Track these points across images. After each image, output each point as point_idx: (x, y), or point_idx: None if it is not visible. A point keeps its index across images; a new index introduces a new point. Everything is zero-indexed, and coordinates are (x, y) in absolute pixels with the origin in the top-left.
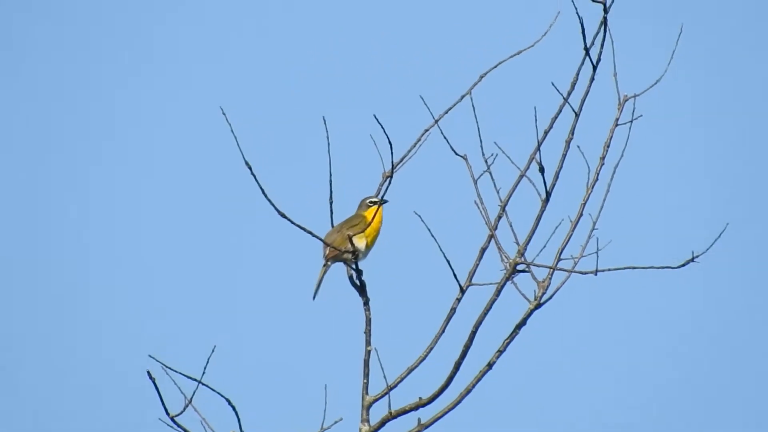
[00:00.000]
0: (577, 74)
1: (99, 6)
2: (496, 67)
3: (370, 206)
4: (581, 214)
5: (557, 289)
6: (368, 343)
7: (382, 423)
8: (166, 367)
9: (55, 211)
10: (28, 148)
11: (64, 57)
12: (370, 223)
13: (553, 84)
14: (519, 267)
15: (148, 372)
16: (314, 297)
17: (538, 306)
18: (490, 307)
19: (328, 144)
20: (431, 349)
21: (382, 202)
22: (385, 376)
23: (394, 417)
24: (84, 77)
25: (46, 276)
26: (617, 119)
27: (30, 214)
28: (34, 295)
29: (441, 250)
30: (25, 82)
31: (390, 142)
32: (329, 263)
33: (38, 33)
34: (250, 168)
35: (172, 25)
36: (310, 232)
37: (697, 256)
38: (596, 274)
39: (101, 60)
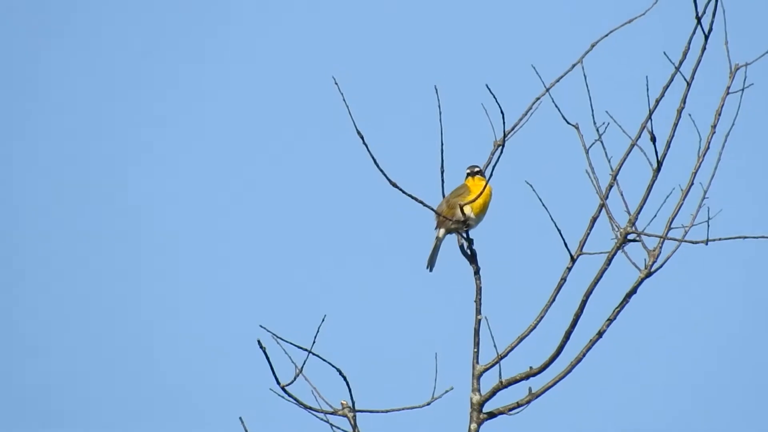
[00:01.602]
0: (689, 43)
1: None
2: (607, 35)
3: (469, 176)
4: (692, 183)
5: (668, 258)
6: (478, 311)
7: (493, 392)
8: (277, 337)
9: (176, 179)
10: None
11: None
12: (481, 192)
13: (665, 53)
14: (630, 236)
15: (259, 341)
16: (431, 268)
17: (649, 275)
18: (601, 276)
19: (440, 113)
20: (541, 318)
21: (476, 173)
22: (495, 345)
23: (505, 386)
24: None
25: (157, 247)
26: (728, 88)
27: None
28: (143, 264)
29: (552, 219)
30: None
31: (502, 111)
32: (442, 234)
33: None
34: (362, 137)
35: None
36: (421, 202)
37: None
38: (707, 244)
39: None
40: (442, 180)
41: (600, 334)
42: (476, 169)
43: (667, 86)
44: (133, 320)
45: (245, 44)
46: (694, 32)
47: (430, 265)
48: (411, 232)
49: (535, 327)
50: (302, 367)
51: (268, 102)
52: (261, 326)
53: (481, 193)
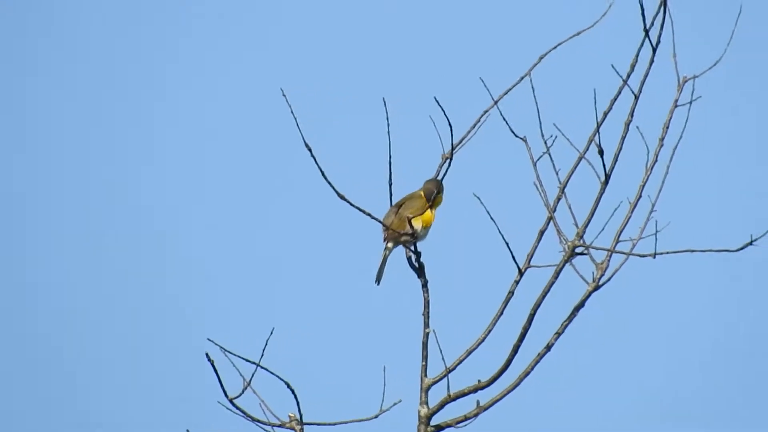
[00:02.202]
0: (637, 55)
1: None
2: (555, 48)
3: (431, 189)
4: (640, 196)
5: (615, 272)
6: (427, 325)
7: (441, 405)
8: (225, 350)
9: (103, 197)
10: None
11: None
12: (429, 205)
13: (612, 66)
14: (577, 249)
15: (207, 354)
16: (378, 282)
17: (597, 288)
18: (549, 290)
19: (388, 125)
20: (489, 331)
21: (433, 192)
22: (443, 359)
23: (453, 399)
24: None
25: (102, 258)
26: (676, 100)
27: (79, 196)
28: (88, 277)
29: (500, 231)
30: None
31: (450, 124)
32: (390, 246)
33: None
34: (310, 150)
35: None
36: (368, 214)
37: (755, 240)
38: (654, 257)
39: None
40: (390, 192)
41: (548, 347)
42: (432, 188)
43: (615, 99)
44: (77, 330)
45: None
46: (642, 45)
47: (378, 278)
48: (359, 245)
49: (483, 340)
50: (250, 380)
51: (214, 113)
52: (209, 339)
53: (429, 205)
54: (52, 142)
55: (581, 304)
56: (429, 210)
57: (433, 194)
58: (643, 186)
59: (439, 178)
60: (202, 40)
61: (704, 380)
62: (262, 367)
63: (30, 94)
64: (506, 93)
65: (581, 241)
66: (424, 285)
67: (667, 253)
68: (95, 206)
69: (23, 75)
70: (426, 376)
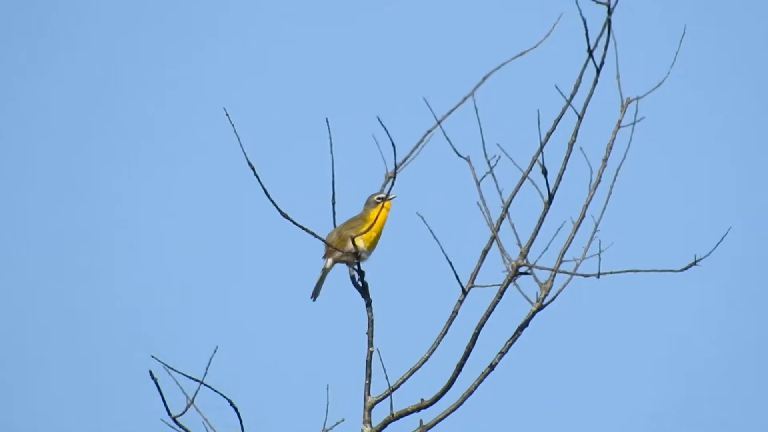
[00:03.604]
0: (580, 76)
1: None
2: (498, 68)
3: (378, 202)
4: (583, 216)
5: (559, 292)
6: (370, 344)
7: (384, 424)
8: (168, 367)
9: (53, 210)
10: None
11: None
12: (373, 224)
13: (556, 87)
14: (521, 269)
15: (150, 372)
16: (314, 298)
17: (541, 308)
18: (493, 309)
19: (331, 145)
20: (433, 350)
21: (389, 198)
22: (387, 378)
23: (396, 418)
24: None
25: (45, 275)
26: (620, 121)
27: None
28: (33, 292)
29: (443, 251)
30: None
31: (393, 144)
32: (330, 264)
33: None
34: (253, 168)
35: (171, 25)
36: (311, 233)
37: (699, 260)
38: (598, 277)
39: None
40: (333, 211)
41: (492, 367)
42: (381, 196)
43: (559, 119)
44: (19, 341)
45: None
46: (585, 66)
47: (315, 294)
48: (303, 264)
49: (426, 359)
50: (194, 398)
51: (160, 132)
52: (153, 356)
53: (373, 223)
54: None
55: (525, 324)
56: (371, 229)
57: (383, 199)
58: (587, 206)
59: (383, 196)
60: (154, 59)
61: (649, 398)
62: (205, 385)
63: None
64: (450, 113)
65: (525, 261)
66: (368, 304)
67: (611, 273)
68: (42, 220)
69: None
70: (369, 394)
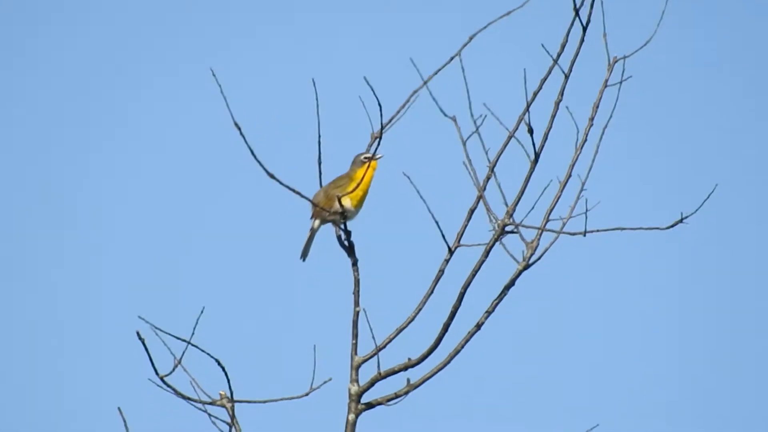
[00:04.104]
0: (567, 35)
1: None
2: (485, 28)
3: (365, 162)
4: (570, 176)
5: (546, 250)
6: (357, 303)
7: (372, 383)
8: (156, 327)
9: (42, 170)
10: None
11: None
12: (359, 183)
13: (542, 46)
14: (507, 228)
15: (138, 333)
16: (304, 258)
17: (527, 267)
18: (479, 268)
19: (317, 105)
20: (420, 309)
21: (375, 157)
22: (374, 337)
23: (384, 377)
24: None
25: (33, 236)
26: (607, 80)
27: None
28: (20, 255)
29: (430, 211)
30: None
31: (379, 104)
32: (317, 224)
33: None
34: (239, 129)
35: None
36: (297, 193)
37: (686, 217)
38: (585, 235)
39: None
40: (320, 171)
41: (478, 326)
42: (368, 155)
43: (545, 79)
44: (12, 303)
45: None
46: (572, 24)
47: (304, 255)
48: (290, 224)
49: (413, 319)
50: (181, 358)
51: (145, 87)
52: (140, 317)
53: (359, 183)
54: None
55: (511, 283)
56: (358, 189)
57: (369, 159)
58: (573, 165)
59: (369, 156)
60: (131, 18)
61: (635, 356)
62: (192, 345)
63: None
64: (436, 73)
65: (511, 220)
66: (354, 264)
67: (597, 231)
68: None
69: None
70: (356, 354)
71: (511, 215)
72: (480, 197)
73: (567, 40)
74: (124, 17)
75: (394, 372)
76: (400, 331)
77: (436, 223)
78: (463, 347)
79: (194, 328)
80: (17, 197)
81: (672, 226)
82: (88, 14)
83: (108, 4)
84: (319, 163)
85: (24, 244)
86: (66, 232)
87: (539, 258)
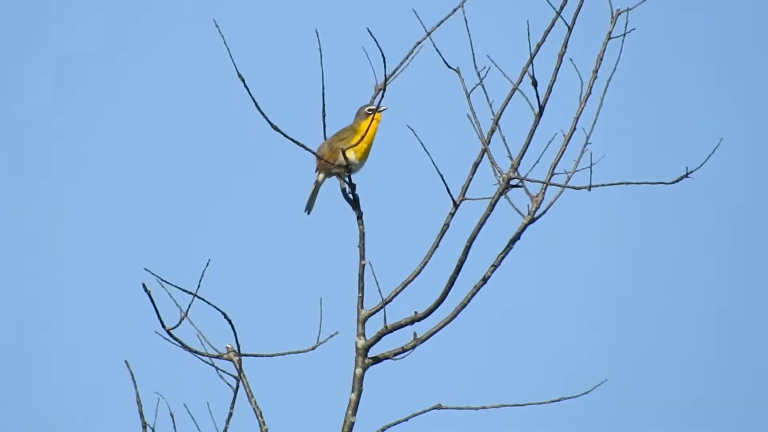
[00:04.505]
0: None
1: None
2: None
3: (369, 114)
4: (574, 129)
5: (551, 204)
6: (362, 257)
7: (378, 337)
8: (162, 280)
9: (40, 131)
10: None
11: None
12: (363, 136)
13: None
14: (512, 182)
15: (143, 285)
16: (308, 212)
17: (532, 221)
18: (484, 222)
19: (321, 57)
20: (425, 263)
21: (380, 109)
22: (380, 290)
23: (390, 331)
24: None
25: (39, 192)
26: (610, 32)
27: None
28: (26, 212)
29: (434, 164)
30: None
31: (383, 55)
32: (321, 177)
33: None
34: (243, 80)
35: None
36: (302, 145)
37: (691, 172)
38: (590, 189)
39: None
40: (324, 124)
41: (484, 280)
42: (372, 108)
43: (549, 30)
44: (13, 263)
45: None
46: None
47: (308, 208)
48: (294, 177)
49: (419, 272)
50: (187, 311)
51: (144, 42)
52: (145, 269)
53: (363, 135)
54: None
55: (517, 237)
56: (362, 141)
57: (373, 111)
58: (578, 118)
59: (373, 108)
60: None
61: (638, 310)
62: (199, 298)
63: None
64: (439, 24)
65: (516, 174)
66: (359, 217)
67: (602, 185)
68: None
69: None
70: (362, 307)
71: (516, 169)
72: (484, 150)
73: None
74: None
75: (400, 326)
76: (406, 284)
77: (441, 176)
78: (469, 301)
79: (200, 281)
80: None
81: (677, 180)
82: None
83: None
84: (323, 116)
85: (27, 194)
86: (70, 181)
87: (544, 212)
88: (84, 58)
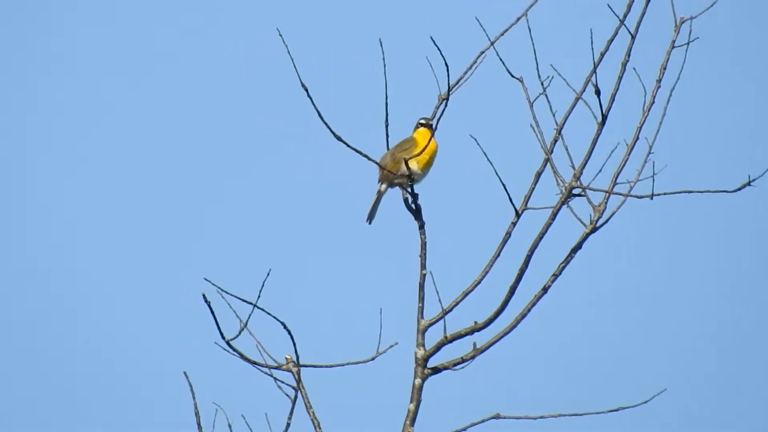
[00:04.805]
0: None
1: None
2: None
3: (422, 125)
4: (637, 138)
5: (613, 213)
6: (423, 266)
7: (438, 347)
8: (222, 290)
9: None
10: None
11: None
12: (425, 147)
13: (609, 5)
14: (575, 191)
15: (203, 295)
16: (370, 221)
17: (594, 230)
18: (546, 231)
19: (384, 66)
20: (486, 272)
21: (428, 125)
22: (440, 300)
23: (450, 341)
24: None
25: (104, 197)
26: (674, 41)
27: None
28: (92, 218)
29: (497, 173)
30: None
31: (446, 65)
32: (384, 188)
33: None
34: (306, 91)
35: None
36: (365, 155)
37: (753, 180)
38: (652, 198)
39: None
40: (387, 134)
41: (545, 290)
42: (430, 122)
43: (612, 39)
44: (72, 270)
45: None
46: None
47: (370, 218)
48: (356, 187)
49: (480, 282)
50: (247, 321)
51: (209, 51)
52: (205, 279)
53: (425, 147)
54: None
55: (578, 246)
56: (431, 140)
57: (430, 122)
58: (641, 127)
59: (436, 119)
60: None
61: (702, 320)
62: (259, 308)
63: None
64: (503, 34)
65: (578, 183)
66: (421, 227)
67: (665, 194)
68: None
69: None
70: (423, 317)
71: (578, 178)
72: (547, 160)
73: (633, 0)
74: None
75: (460, 336)
76: (466, 294)
77: (503, 185)
78: (529, 311)
79: (260, 291)
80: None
81: (740, 188)
82: None
83: None
84: (386, 126)
85: (92, 200)
86: (132, 195)
87: (606, 221)
88: (108, 69)
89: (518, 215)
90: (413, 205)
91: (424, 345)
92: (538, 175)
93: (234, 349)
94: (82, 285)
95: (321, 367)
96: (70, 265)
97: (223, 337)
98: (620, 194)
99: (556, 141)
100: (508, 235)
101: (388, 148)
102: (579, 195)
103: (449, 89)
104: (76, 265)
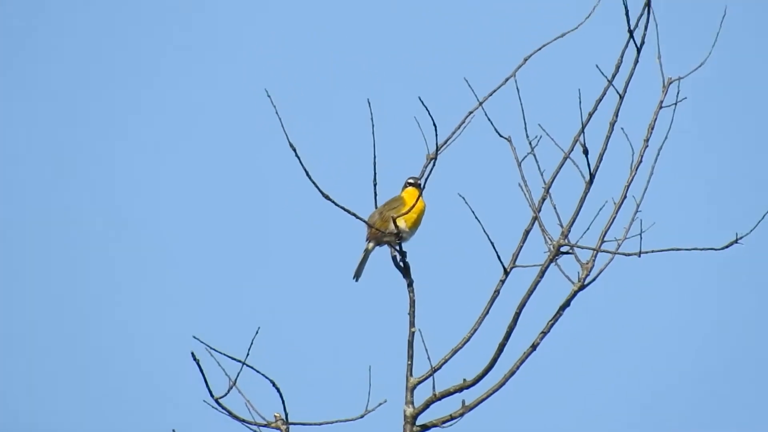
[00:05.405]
0: (621, 56)
1: None
2: (540, 49)
3: (410, 185)
4: (625, 197)
5: (601, 271)
6: (412, 324)
7: (427, 405)
8: (210, 348)
9: (85, 187)
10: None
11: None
12: (413, 206)
13: (597, 66)
14: (563, 249)
15: (192, 353)
16: (357, 278)
17: (582, 287)
18: (534, 289)
19: (373, 126)
20: (475, 330)
21: (417, 185)
22: (429, 358)
23: (439, 399)
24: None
25: (84, 256)
26: (662, 101)
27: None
28: (71, 276)
29: (485, 231)
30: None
31: (434, 124)
32: (372, 245)
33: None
34: (294, 150)
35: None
36: (353, 214)
37: (740, 238)
38: (640, 256)
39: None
40: (375, 192)
41: (534, 347)
42: (418, 181)
43: (600, 99)
44: (61, 328)
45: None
46: (626, 45)
47: (357, 275)
48: (345, 245)
49: (468, 339)
50: (236, 379)
51: (199, 112)
52: (194, 337)
53: (413, 206)
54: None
55: (567, 304)
56: (419, 199)
57: (419, 181)
58: (628, 186)
59: (424, 178)
60: (187, 38)
61: (691, 378)
62: (248, 366)
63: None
64: (491, 94)
65: (566, 241)
66: (410, 284)
67: (653, 252)
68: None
69: None
70: (411, 375)
71: (567, 236)
72: (535, 218)
73: (621, 61)
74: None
75: (449, 393)
76: (455, 351)
77: (492, 243)
78: (518, 368)
79: (249, 349)
80: (75, 208)
81: (727, 246)
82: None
83: None
84: (375, 185)
85: (78, 258)
86: (122, 252)
87: (594, 279)
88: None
89: (507, 273)
90: (402, 263)
91: (413, 402)
92: (527, 233)
93: (223, 407)
94: (74, 343)
95: (310, 424)
96: (63, 326)
97: (212, 395)
98: (608, 252)
99: (544, 199)
100: (497, 292)
101: (376, 207)
102: (567, 252)
103: (437, 149)
104: (67, 327)
